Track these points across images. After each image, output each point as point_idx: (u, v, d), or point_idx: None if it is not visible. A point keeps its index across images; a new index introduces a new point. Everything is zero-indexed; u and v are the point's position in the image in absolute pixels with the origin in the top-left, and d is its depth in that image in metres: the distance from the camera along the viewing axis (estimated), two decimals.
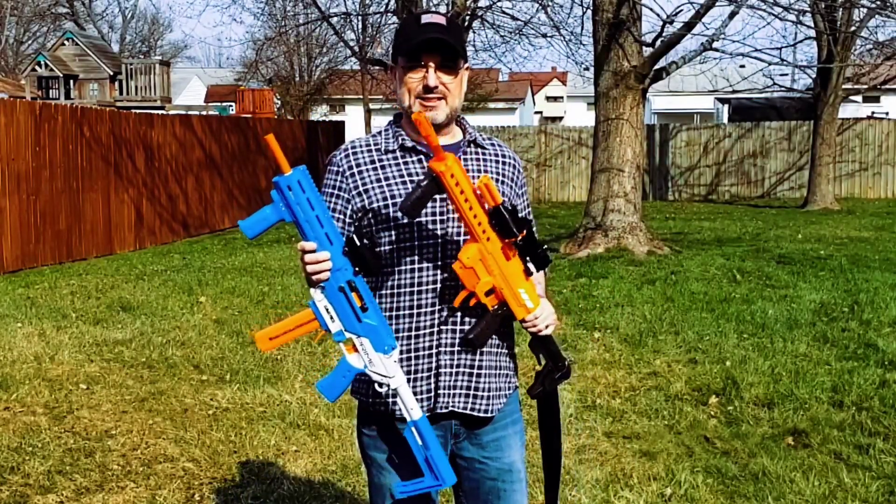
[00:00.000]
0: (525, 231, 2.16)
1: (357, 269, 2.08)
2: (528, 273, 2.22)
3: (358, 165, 2.28)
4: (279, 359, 6.46)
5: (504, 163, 2.38)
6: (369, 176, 2.27)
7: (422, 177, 2.22)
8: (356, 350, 2.13)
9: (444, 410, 2.26)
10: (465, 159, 2.31)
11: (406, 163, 2.28)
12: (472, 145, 2.35)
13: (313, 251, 2.05)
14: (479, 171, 2.31)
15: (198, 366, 6.34)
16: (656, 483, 4.17)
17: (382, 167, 2.27)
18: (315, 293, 2.10)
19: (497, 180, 2.32)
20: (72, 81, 30.23)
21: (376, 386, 2.15)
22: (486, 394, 2.28)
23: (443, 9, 17.73)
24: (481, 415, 2.29)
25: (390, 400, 2.24)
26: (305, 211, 2.03)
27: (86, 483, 4.25)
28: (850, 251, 11.63)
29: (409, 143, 2.28)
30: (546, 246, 2.34)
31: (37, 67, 30.07)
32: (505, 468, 2.34)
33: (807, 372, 5.89)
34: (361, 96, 34.86)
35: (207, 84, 47.77)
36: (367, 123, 35.70)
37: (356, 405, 2.38)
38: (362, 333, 2.11)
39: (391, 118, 2.38)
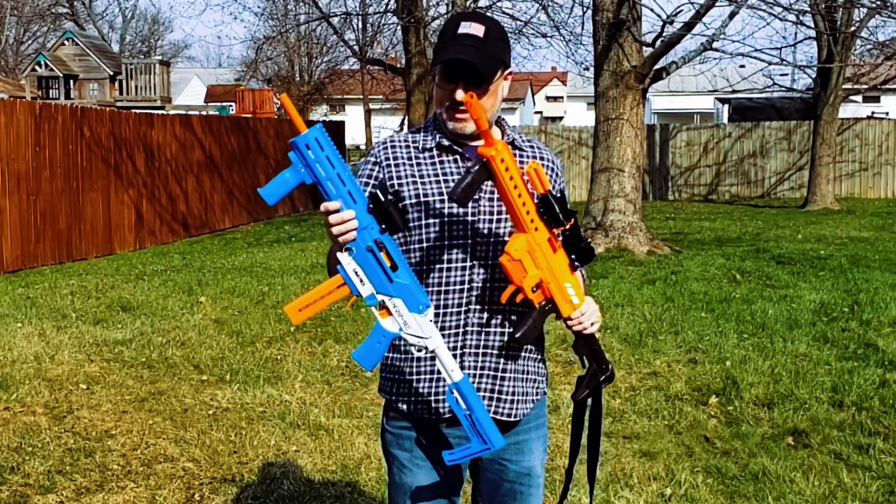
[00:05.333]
0: (572, 221, 2.07)
1: (383, 226, 1.99)
2: (573, 267, 2.14)
3: (395, 159, 2.28)
4: (279, 359, 6.46)
5: (542, 165, 2.34)
6: (405, 171, 2.25)
7: (457, 175, 2.19)
8: (390, 314, 2.05)
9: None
10: None
11: (442, 162, 2.25)
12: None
13: (337, 211, 1.97)
14: None
15: (198, 366, 6.34)
16: (656, 483, 4.17)
17: (419, 164, 2.26)
18: (342, 257, 2.01)
19: None
20: (72, 81, 30.22)
21: (414, 350, 2.08)
22: (510, 397, 2.26)
23: (443, 9, 17.74)
24: (505, 419, 2.26)
25: (413, 398, 2.24)
26: (326, 169, 1.95)
27: (86, 483, 4.25)
28: (850, 251, 11.63)
29: (446, 143, 2.26)
30: (589, 240, 2.31)
31: (37, 67, 30.07)
32: (524, 472, 2.33)
33: (807, 372, 5.89)
34: (361, 96, 34.91)
35: (207, 84, 47.82)
36: (367, 124, 35.71)
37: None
38: (395, 294, 2.02)
39: (432, 116, 2.34)
